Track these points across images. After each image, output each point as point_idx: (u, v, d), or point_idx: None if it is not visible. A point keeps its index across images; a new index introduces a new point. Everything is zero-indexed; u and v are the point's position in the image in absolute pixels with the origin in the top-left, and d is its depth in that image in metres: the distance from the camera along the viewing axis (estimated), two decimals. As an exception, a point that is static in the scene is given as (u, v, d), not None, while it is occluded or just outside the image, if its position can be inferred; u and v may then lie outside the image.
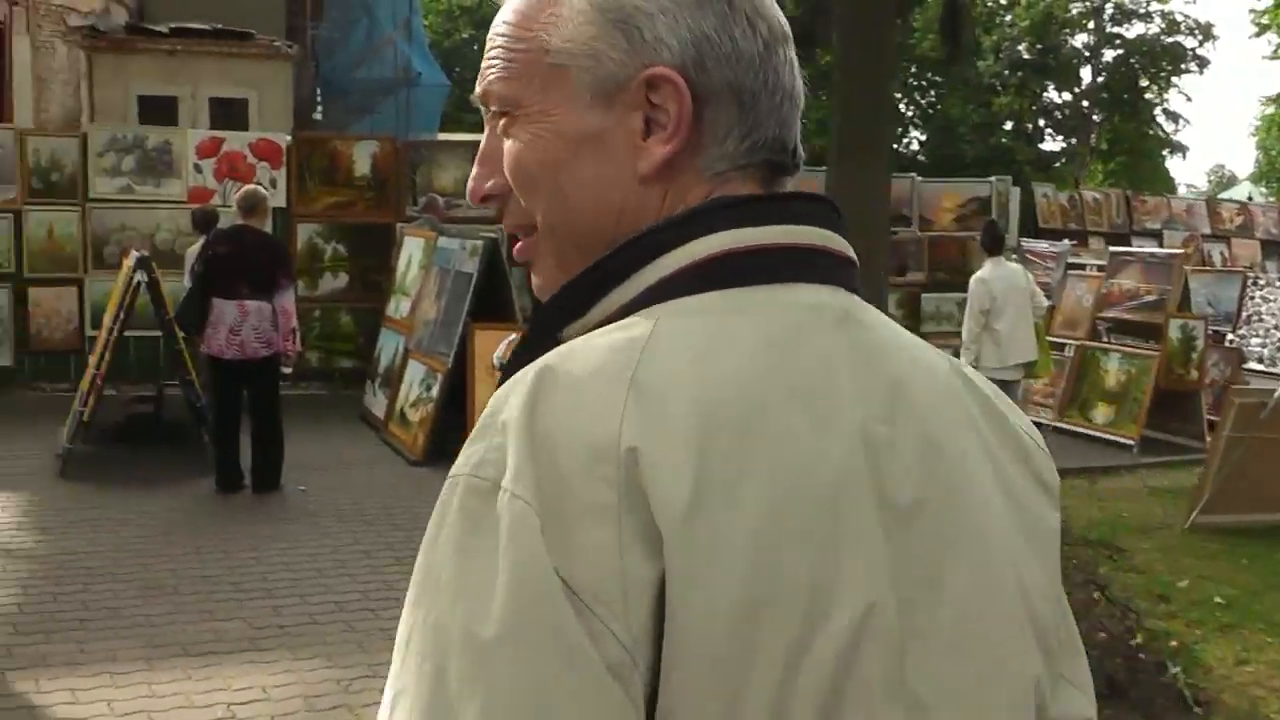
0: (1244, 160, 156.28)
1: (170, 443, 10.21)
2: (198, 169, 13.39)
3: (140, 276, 9.55)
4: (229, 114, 20.40)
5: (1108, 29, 42.39)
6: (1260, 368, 16.51)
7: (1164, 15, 42.03)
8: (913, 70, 41.29)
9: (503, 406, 0.91)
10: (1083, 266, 14.66)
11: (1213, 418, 11.14)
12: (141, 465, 9.63)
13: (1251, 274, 18.43)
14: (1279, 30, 41.29)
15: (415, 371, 11.09)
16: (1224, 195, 38.76)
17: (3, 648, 6.00)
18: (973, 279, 10.14)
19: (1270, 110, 48.24)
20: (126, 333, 10.02)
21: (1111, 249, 15.14)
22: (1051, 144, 43.63)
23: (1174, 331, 12.29)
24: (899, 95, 39.30)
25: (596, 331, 0.96)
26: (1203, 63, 41.89)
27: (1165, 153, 43.86)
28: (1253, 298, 17.30)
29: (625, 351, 0.92)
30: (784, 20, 1.08)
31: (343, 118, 22.50)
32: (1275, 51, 42.09)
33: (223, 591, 6.96)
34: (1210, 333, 13.09)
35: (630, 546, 0.85)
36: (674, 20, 1.01)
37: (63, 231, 13.02)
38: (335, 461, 10.17)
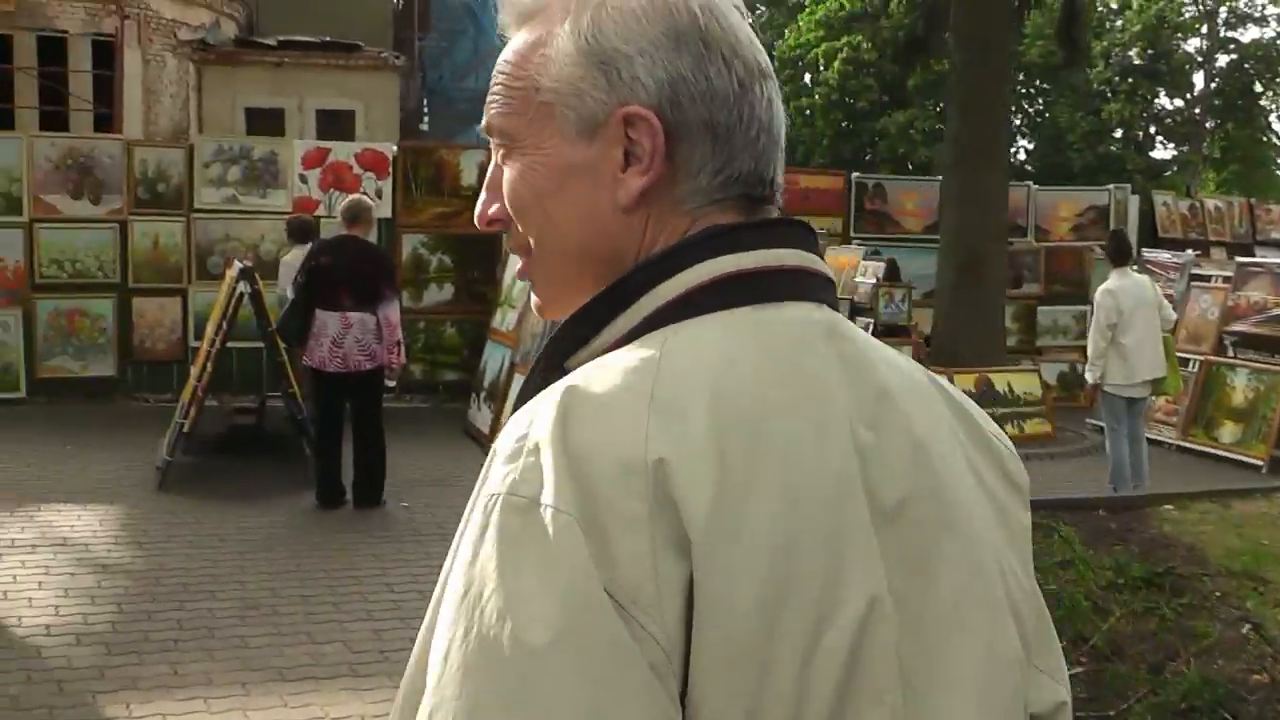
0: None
1: (271, 456, 10.10)
2: (303, 179, 13.33)
3: (243, 287, 9.45)
4: (335, 125, 20.47)
5: (1221, 33, 41.39)
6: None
7: (1281, 19, 40.89)
8: (1020, 77, 40.55)
9: (530, 428, 0.97)
10: (1207, 278, 14.06)
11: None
12: (241, 478, 9.51)
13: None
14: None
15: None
16: (1346, 204, 37.47)
17: (94, 669, 5.84)
18: (1099, 291, 9.67)
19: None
20: (229, 344, 9.93)
21: (1238, 259, 14.55)
22: (1162, 152, 42.69)
23: (1305, 346, 11.73)
24: (1007, 103, 38.51)
25: (609, 355, 1.03)
26: (1322, 68, 40.65)
27: (1280, 160, 42.67)
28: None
29: (642, 371, 0.98)
30: (763, 59, 1.13)
31: (449, 128, 22.50)
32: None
33: (322, 613, 6.76)
34: (1345, 347, 12.48)
35: (662, 552, 0.91)
36: (651, 61, 1.07)
37: (167, 242, 13.02)
38: (439, 477, 9.98)
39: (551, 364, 1.08)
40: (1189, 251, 15.48)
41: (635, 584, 0.91)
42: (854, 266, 11.77)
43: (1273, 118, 41.68)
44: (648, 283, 1.06)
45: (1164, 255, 15.21)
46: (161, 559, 7.64)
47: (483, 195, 1.18)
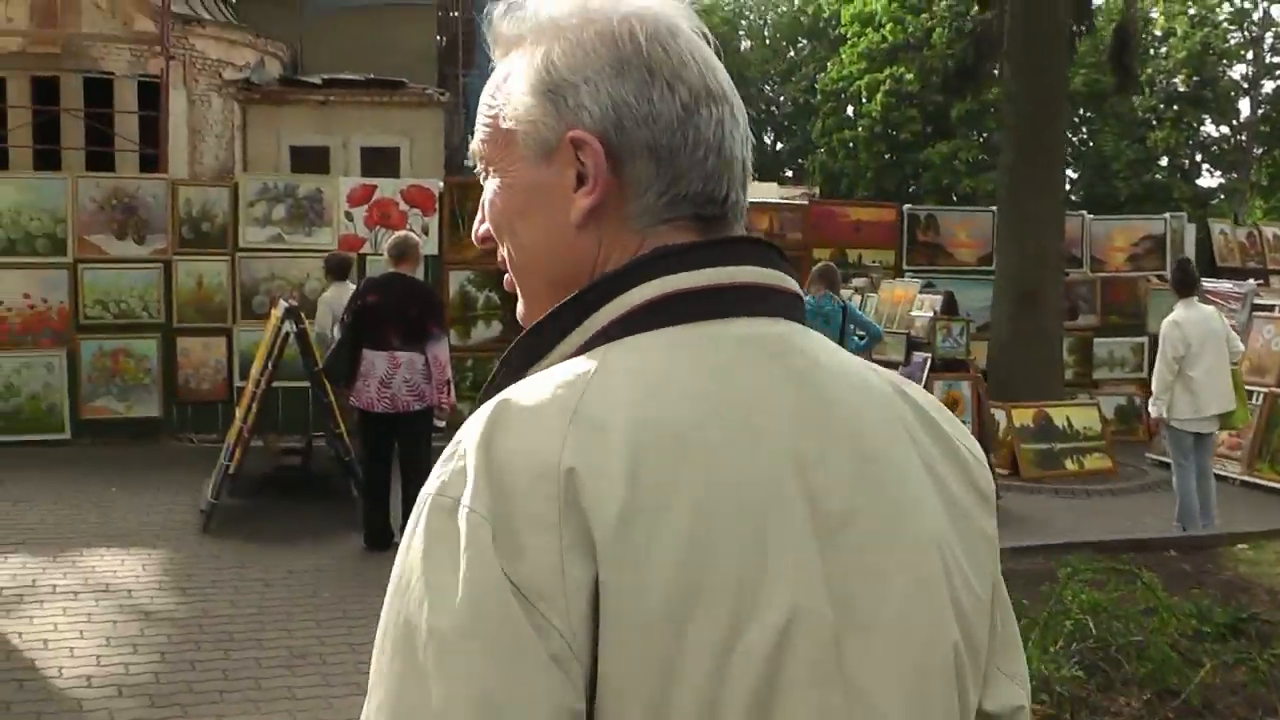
0: None
1: (318, 497, 9.95)
2: (348, 217, 13.23)
3: (289, 327, 9.30)
4: (380, 162, 20.47)
5: (1267, 59, 40.97)
6: None
7: (1329, 45, 40.44)
8: (1066, 107, 40.19)
9: (464, 435, 1.04)
10: (1270, 307, 13.72)
11: None
12: (288, 520, 9.35)
13: None
14: None
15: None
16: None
17: (139, 723, 5.66)
18: (1165, 323, 9.37)
19: None
20: (274, 383, 9.79)
21: (1302, 288, 14.19)
22: (1209, 179, 42.23)
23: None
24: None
25: (553, 368, 1.08)
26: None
27: (1329, 188, 42.05)
28: None
29: (572, 385, 1.04)
30: (715, 83, 1.17)
31: (494, 164, 22.43)
32: None
33: (371, 661, 6.53)
34: None
35: (569, 552, 0.97)
36: (595, 89, 1.13)
37: (211, 281, 12.94)
38: (487, 518, 9.74)
39: (509, 374, 1.13)
40: (1250, 281, 15.13)
41: (541, 580, 0.97)
42: (910, 300, 11.51)
43: (1321, 144, 41.15)
44: (597, 301, 1.11)
45: (1225, 285, 14.86)
46: (205, 605, 7.47)
47: (478, 215, 1.26)
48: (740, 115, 1.19)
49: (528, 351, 1.15)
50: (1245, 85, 41.22)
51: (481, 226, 1.25)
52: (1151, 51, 40.69)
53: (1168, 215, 16.83)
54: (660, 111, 1.13)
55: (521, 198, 1.19)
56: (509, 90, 1.19)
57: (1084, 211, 16.49)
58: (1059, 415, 12.75)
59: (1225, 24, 40.89)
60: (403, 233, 9.62)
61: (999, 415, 12.29)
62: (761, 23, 60.84)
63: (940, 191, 42.55)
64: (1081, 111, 40.50)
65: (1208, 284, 14.82)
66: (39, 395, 12.53)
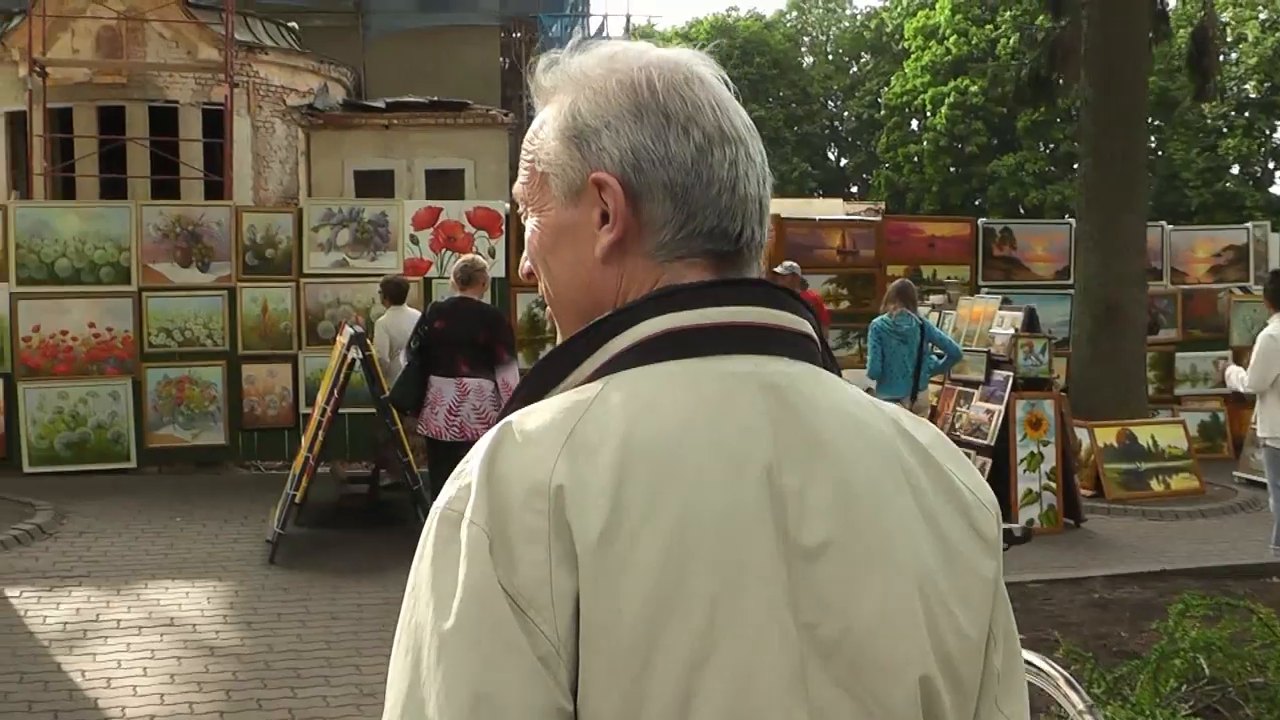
0: None
1: (385, 527, 9.79)
2: (414, 240, 13.10)
3: (354, 353, 9.13)
4: (445, 185, 20.40)
5: (1342, 63, 40.11)
6: None
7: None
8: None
9: (472, 455, 1.15)
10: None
11: None
12: (355, 551, 9.17)
13: None
14: None
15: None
16: None
17: (204, 768, 5.46)
18: (1262, 336, 8.94)
19: None
20: (341, 410, 9.63)
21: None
22: (1282, 187, 41.41)
23: None
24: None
25: (561, 395, 1.18)
26: None
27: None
28: None
29: (571, 411, 1.13)
30: (729, 125, 1.24)
31: (558, 184, 22.36)
32: None
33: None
34: None
35: (558, 565, 1.06)
36: (615, 134, 1.23)
37: (276, 308, 12.84)
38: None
39: (525, 398, 1.20)
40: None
41: (531, 588, 1.05)
42: (989, 316, 11.16)
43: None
44: (608, 332, 1.19)
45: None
46: (271, 640, 7.29)
47: (524, 253, 1.36)
48: (756, 155, 1.26)
49: (543, 377, 1.22)
50: (1319, 91, 40.43)
51: (525, 263, 1.36)
52: (1221, 58, 40.01)
53: (1250, 225, 16.37)
54: (675, 153, 1.22)
55: (554, 235, 1.28)
56: (543, 137, 1.29)
57: (1163, 222, 16.04)
58: (1143, 434, 12.36)
59: (1298, 29, 40.12)
60: (469, 256, 9.44)
61: (1081, 434, 11.92)
62: (824, 39, 60.51)
63: (1007, 204, 42.09)
64: (1150, 120, 39.90)
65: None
66: (105, 424, 12.48)
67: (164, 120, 20.93)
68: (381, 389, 9.11)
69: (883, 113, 49.41)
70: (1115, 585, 7.68)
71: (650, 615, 1.05)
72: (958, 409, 11.08)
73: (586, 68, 1.27)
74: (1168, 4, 17.17)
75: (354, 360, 9.17)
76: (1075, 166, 42.14)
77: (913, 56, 46.56)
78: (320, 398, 9.91)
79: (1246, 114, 39.68)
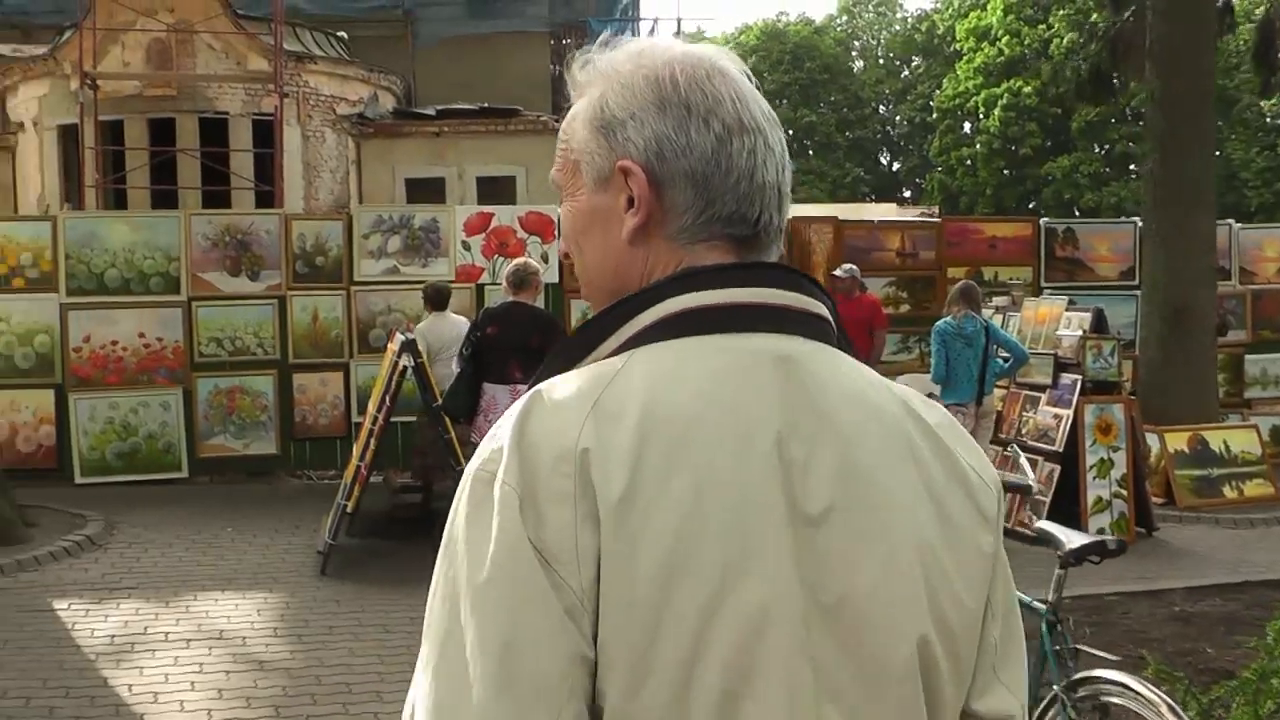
0: None
1: (437, 537, 9.56)
2: (465, 246, 12.93)
3: (406, 361, 8.95)
4: (496, 192, 20.27)
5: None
6: None
7: None
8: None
9: (504, 420, 1.22)
10: None
11: None
12: (407, 562, 8.97)
13: None
14: None
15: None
16: None
17: (252, 789, 5.27)
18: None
19: None
20: (393, 419, 9.46)
21: None
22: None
23: None
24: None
25: (589, 366, 1.26)
26: None
27: None
28: None
29: (597, 381, 1.21)
30: (749, 116, 1.32)
31: (611, 190, 22.26)
32: None
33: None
34: None
35: (582, 523, 1.14)
36: (640, 124, 1.31)
37: (327, 316, 12.72)
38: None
39: (555, 368, 1.28)
40: None
41: (558, 544, 1.13)
42: (1055, 318, 10.82)
43: None
44: (633, 310, 1.28)
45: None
46: (322, 654, 7.11)
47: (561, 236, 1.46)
48: (775, 144, 1.33)
49: (572, 350, 1.30)
50: (1382, 89, 39.64)
51: (561, 243, 1.46)
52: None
53: (1321, 223, 15.94)
54: (696, 143, 1.29)
55: (585, 219, 1.36)
56: (575, 127, 1.37)
57: (1231, 220, 15.61)
58: (1215, 439, 11.98)
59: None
60: (521, 260, 9.24)
61: (1151, 440, 11.56)
62: (874, 43, 60.08)
63: (1062, 206, 41.58)
64: (1210, 119, 39.30)
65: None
66: (156, 434, 12.41)
67: (214, 131, 20.91)
68: (434, 396, 8.94)
69: (935, 116, 48.95)
70: (1197, 597, 7.38)
71: (665, 573, 1.13)
72: (1024, 413, 10.76)
73: (616, 63, 1.36)
74: (1231, -2, 16.72)
75: (405, 368, 9.01)
76: (1131, 167, 41.65)
77: (965, 58, 46.10)
78: (371, 406, 9.76)
79: (1308, 112, 39.01)
